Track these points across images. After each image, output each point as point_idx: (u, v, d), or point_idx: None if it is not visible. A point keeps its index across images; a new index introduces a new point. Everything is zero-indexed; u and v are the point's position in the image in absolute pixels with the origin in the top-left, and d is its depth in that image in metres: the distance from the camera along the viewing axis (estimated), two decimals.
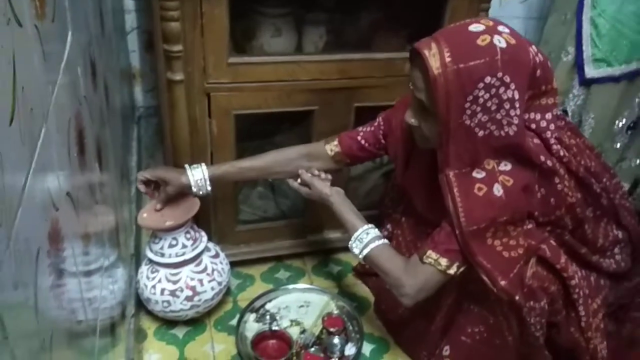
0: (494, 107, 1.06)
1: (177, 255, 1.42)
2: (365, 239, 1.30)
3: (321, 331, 1.49)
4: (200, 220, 1.51)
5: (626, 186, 1.80)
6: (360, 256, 1.31)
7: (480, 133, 1.09)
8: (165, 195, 1.40)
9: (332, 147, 1.43)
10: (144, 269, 1.46)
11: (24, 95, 0.57)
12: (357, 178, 1.80)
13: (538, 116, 1.16)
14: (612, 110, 1.80)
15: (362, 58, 1.51)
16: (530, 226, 1.20)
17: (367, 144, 1.41)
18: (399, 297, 1.25)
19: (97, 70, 1.18)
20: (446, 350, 1.35)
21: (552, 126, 1.17)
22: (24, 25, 0.59)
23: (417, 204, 1.39)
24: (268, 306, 1.59)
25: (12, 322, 0.49)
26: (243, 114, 1.47)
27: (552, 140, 1.17)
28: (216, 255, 1.52)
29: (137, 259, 1.59)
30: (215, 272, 1.47)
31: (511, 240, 1.16)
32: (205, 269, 1.46)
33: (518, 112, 1.08)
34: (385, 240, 1.31)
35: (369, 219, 1.36)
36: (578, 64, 1.76)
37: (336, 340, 1.45)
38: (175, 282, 1.42)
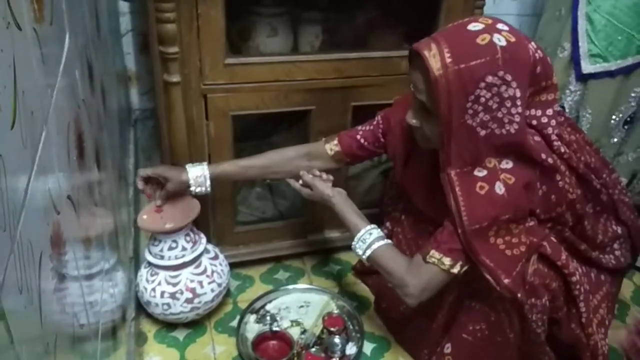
0: (495, 106, 1.06)
1: (176, 258, 1.41)
2: (369, 240, 1.30)
3: (322, 331, 1.49)
4: (198, 222, 1.51)
5: (624, 181, 1.81)
6: (364, 257, 1.31)
7: (482, 132, 1.09)
8: (165, 192, 1.39)
9: (332, 146, 1.43)
10: (144, 271, 1.46)
11: (25, 98, 0.57)
12: (355, 177, 1.80)
13: (539, 112, 1.16)
14: (608, 105, 1.80)
15: (358, 57, 1.51)
16: (532, 223, 1.20)
17: (366, 143, 1.41)
18: (403, 297, 1.25)
19: (94, 73, 1.17)
20: (447, 348, 1.35)
21: (553, 122, 1.17)
22: (23, 29, 0.59)
23: (417, 201, 1.39)
24: (268, 307, 1.59)
25: (18, 327, 0.49)
26: (240, 114, 1.47)
27: (553, 137, 1.17)
28: (215, 257, 1.52)
29: (136, 262, 1.59)
30: (215, 274, 1.47)
31: (513, 238, 1.16)
32: (204, 271, 1.45)
33: (519, 109, 1.08)
34: (389, 241, 1.31)
35: (368, 218, 1.36)
36: (574, 60, 1.76)
37: (337, 339, 1.45)
38: (175, 285, 1.42)
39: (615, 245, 1.36)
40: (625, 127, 1.86)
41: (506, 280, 1.14)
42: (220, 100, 1.43)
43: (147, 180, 1.41)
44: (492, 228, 1.13)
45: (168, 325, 1.52)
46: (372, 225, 1.33)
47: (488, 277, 1.15)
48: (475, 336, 1.30)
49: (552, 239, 1.24)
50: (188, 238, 1.43)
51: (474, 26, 1.07)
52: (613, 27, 1.70)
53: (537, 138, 1.15)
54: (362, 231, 1.31)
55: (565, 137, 1.21)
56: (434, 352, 1.39)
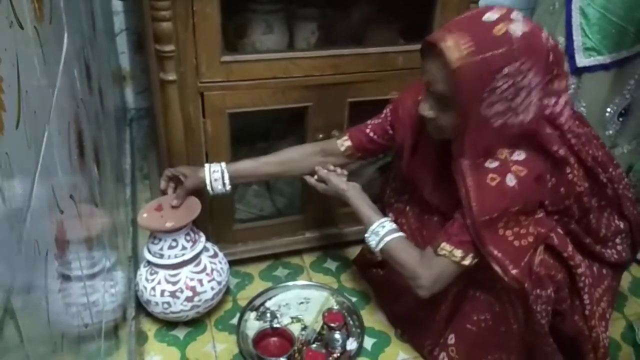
0: (510, 96, 1.07)
1: (176, 257, 1.41)
2: (382, 232, 1.31)
3: (322, 327, 1.49)
4: (197, 220, 1.51)
5: None
6: (377, 249, 1.32)
7: (497, 122, 1.09)
8: (183, 190, 1.41)
9: (342, 142, 1.45)
10: (143, 271, 1.45)
11: (28, 98, 0.57)
12: (352, 173, 1.78)
13: (552, 101, 1.16)
14: (603, 98, 1.81)
15: (354, 53, 1.50)
16: (540, 215, 1.21)
17: (375, 136, 1.41)
18: (415, 289, 1.25)
19: (92, 73, 1.17)
20: (451, 339, 1.35)
21: (566, 112, 1.17)
22: (25, 28, 0.59)
23: (424, 191, 1.38)
24: (268, 304, 1.59)
25: (27, 326, 0.49)
26: (237, 112, 1.47)
27: (566, 127, 1.18)
28: (215, 255, 1.51)
29: (135, 261, 1.58)
30: (215, 272, 1.47)
31: (522, 229, 1.16)
32: (204, 269, 1.45)
33: (534, 99, 1.09)
34: (402, 233, 1.32)
35: None
36: (569, 54, 1.77)
37: (337, 335, 1.45)
38: (174, 283, 1.41)
39: (617, 240, 1.37)
40: (620, 119, 1.87)
41: (514, 271, 1.15)
42: (217, 98, 1.43)
43: (169, 180, 1.44)
44: (502, 220, 1.14)
45: (168, 324, 1.51)
46: (386, 218, 1.34)
47: (496, 267, 1.15)
48: (480, 326, 1.30)
49: (559, 230, 1.24)
50: (188, 237, 1.43)
51: (488, 17, 1.07)
52: (607, 20, 1.71)
53: (549, 130, 1.16)
54: (376, 224, 1.32)
55: (574, 130, 1.22)
56: (437, 343, 1.39)
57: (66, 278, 0.69)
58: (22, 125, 0.53)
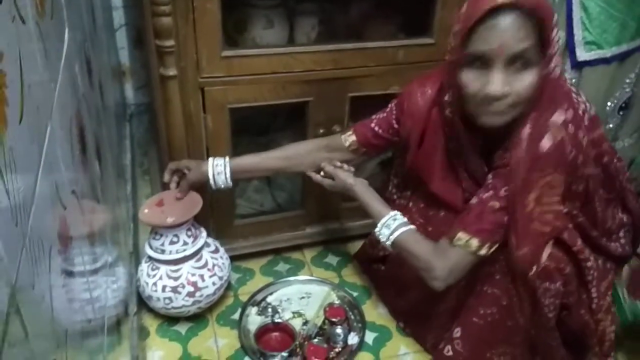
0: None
1: (177, 252, 1.41)
2: (393, 225, 1.30)
3: (323, 322, 1.50)
4: (198, 216, 1.51)
5: None
6: (388, 242, 1.31)
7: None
8: (186, 183, 1.43)
9: (347, 137, 1.43)
10: (144, 266, 1.46)
11: (31, 93, 0.57)
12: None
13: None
14: (603, 92, 1.81)
15: (354, 48, 1.50)
16: (565, 210, 1.20)
17: (380, 130, 1.40)
18: (430, 281, 1.24)
19: (93, 68, 1.17)
20: (457, 332, 1.34)
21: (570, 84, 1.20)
22: (26, 23, 0.59)
23: (430, 184, 1.36)
24: (269, 299, 1.60)
25: (31, 322, 0.49)
26: (238, 107, 1.47)
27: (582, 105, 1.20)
28: (216, 250, 1.52)
29: (136, 257, 1.58)
30: (216, 267, 1.47)
31: (547, 215, 1.15)
32: (205, 264, 1.45)
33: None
34: (412, 226, 1.31)
35: None
36: (569, 48, 1.76)
37: (339, 330, 1.46)
38: (176, 279, 1.42)
39: (621, 234, 1.37)
40: (620, 113, 1.87)
41: (525, 248, 1.14)
42: (218, 93, 1.42)
43: (172, 173, 1.45)
44: (536, 188, 1.12)
45: (170, 320, 1.52)
46: (396, 212, 1.33)
47: (511, 239, 1.15)
48: (486, 320, 1.29)
49: (570, 225, 1.24)
50: (189, 232, 1.43)
51: None
52: (607, 14, 1.70)
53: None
54: (386, 217, 1.32)
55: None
56: (439, 337, 1.39)
57: (69, 274, 0.69)
58: (25, 120, 0.53)
